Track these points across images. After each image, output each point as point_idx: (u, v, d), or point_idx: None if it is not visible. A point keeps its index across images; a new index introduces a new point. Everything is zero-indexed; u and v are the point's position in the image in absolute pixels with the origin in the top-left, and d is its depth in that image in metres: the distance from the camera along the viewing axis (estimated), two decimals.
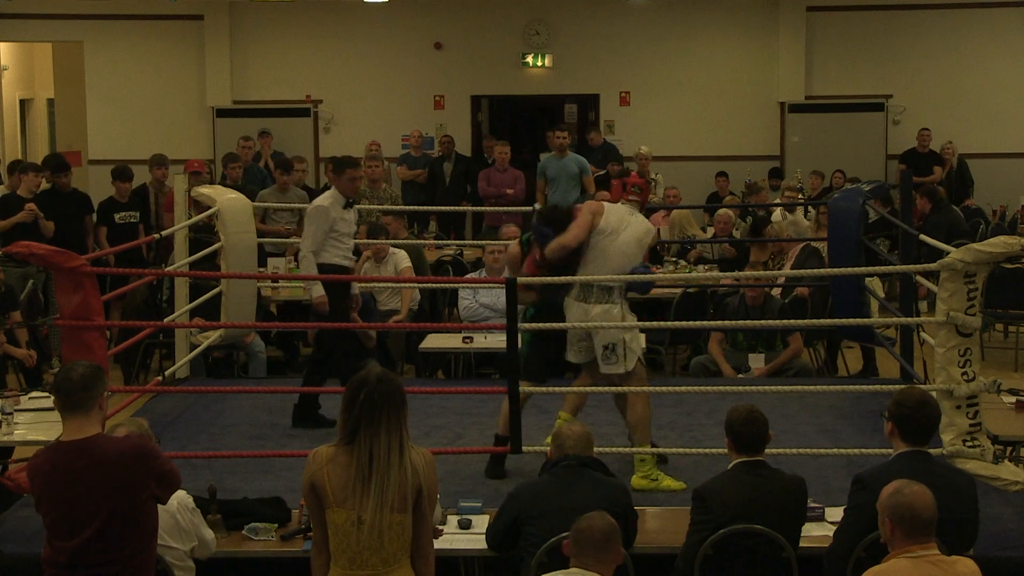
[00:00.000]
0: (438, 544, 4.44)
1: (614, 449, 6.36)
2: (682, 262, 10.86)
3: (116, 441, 4.09)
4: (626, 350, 6.35)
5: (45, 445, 4.34)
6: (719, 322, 8.70)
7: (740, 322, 8.46)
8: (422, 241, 11.49)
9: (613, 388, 6.61)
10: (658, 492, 6.18)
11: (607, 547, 4.20)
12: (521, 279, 6.28)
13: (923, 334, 7.43)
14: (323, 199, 7.56)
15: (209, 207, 8.31)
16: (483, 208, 12.30)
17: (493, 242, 9.74)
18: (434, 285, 10.25)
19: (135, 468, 3.99)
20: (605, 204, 6.54)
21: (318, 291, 7.37)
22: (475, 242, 11.63)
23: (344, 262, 7.49)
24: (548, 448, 5.40)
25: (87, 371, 4.08)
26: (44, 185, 10.75)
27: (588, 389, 6.69)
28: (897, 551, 4.01)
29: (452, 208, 12.83)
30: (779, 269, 9.98)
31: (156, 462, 4.06)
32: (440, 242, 12.19)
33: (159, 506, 4.17)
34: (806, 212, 12.27)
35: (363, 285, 9.25)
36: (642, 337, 6.69)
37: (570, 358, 6.60)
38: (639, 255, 6.43)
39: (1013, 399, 6.83)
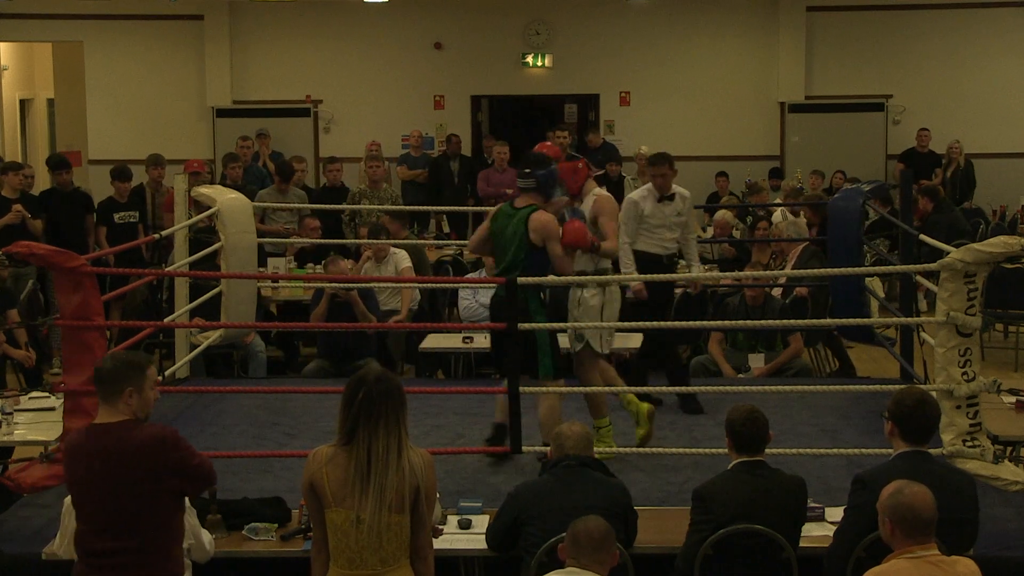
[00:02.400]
0: (438, 544, 4.45)
1: (614, 449, 6.36)
2: (682, 262, 10.84)
3: (142, 428, 4.12)
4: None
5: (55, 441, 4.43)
6: (719, 322, 8.69)
7: (740, 322, 8.46)
8: (423, 241, 11.49)
9: (611, 388, 6.62)
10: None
11: (604, 547, 4.21)
12: (522, 279, 6.27)
13: (923, 334, 7.43)
14: (635, 193, 7.92)
15: (209, 207, 8.31)
16: (483, 208, 12.30)
17: None
18: (434, 285, 10.25)
19: (153, 457, 4.03)
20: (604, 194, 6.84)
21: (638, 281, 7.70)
22: None
23: (657, 250, 7.74)
24: (549, 448, 5.40)
25: (117, 363, 4.16)
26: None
27: (592, 389, 6.70)
28: (897, 551, 4.01)
29: (452, 208, 12.83)
30: (780, 269, 9.98)
31: (177, 453, 4.09)
32: (440, 242, 12.19)
33: None
34: None
35: (363, 285, 9.27)
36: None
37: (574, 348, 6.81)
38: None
39: (1013, 399, 6.83)
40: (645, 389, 6.71)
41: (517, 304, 6.16)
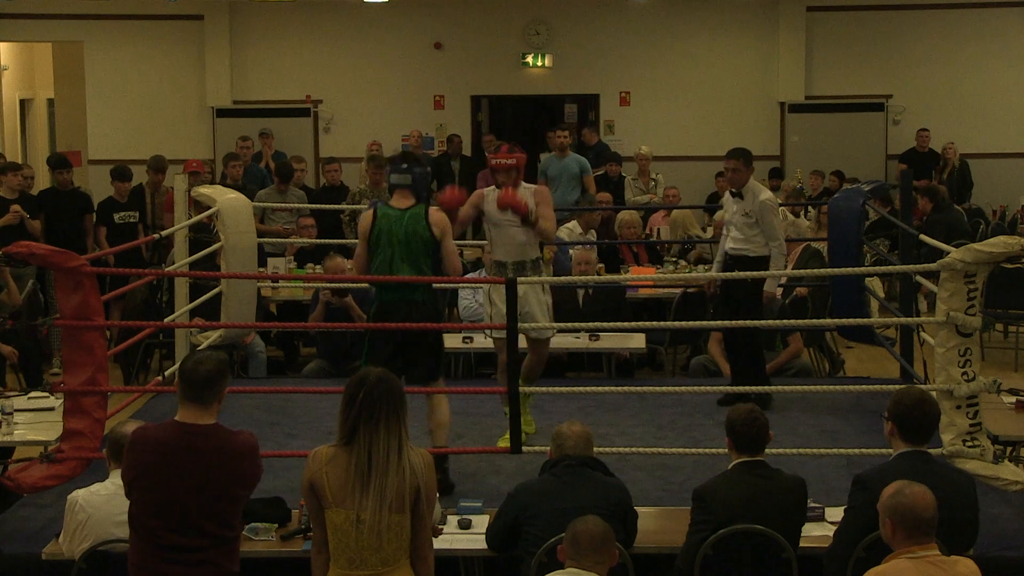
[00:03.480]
0: (438, 544, 4.44)
1: (614, 449, 6.37)
2: (682, 262, 10.86)
3: (235, 434, 4.15)
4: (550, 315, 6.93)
5: (129, 427, 4.50)
6: (719, 322, 8.69)
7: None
8: None
9: (629, 389, 6.62)
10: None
11: (604, 548, 4.21)
12: (523, 279, 6.28)
13: (923, 334, 7.43)
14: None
15: (209, 207, 8.31)
16: None
17: None
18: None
19: (246, 464, 4.10)
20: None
21: (772, 285, 7.68)
22: (475, 242, 11.61)
23: (727, 247, 7.71)
24: (548, 448, 5.40)
25: (216, 367, 4.16)
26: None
27: (596, 389, 6.70)
28: (898, 551, 4.01)
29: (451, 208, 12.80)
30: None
31: (259, 464, 4.17)
32: None
33: None
34: (806, 212, 12.27)
35: (363, 285, 9.26)
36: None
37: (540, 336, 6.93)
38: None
39: (1013, 399, 6.82)
40: (648, 389, 6.68)
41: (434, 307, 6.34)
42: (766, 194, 7.68)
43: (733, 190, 7.61)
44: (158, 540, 4.05)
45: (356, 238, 10.63)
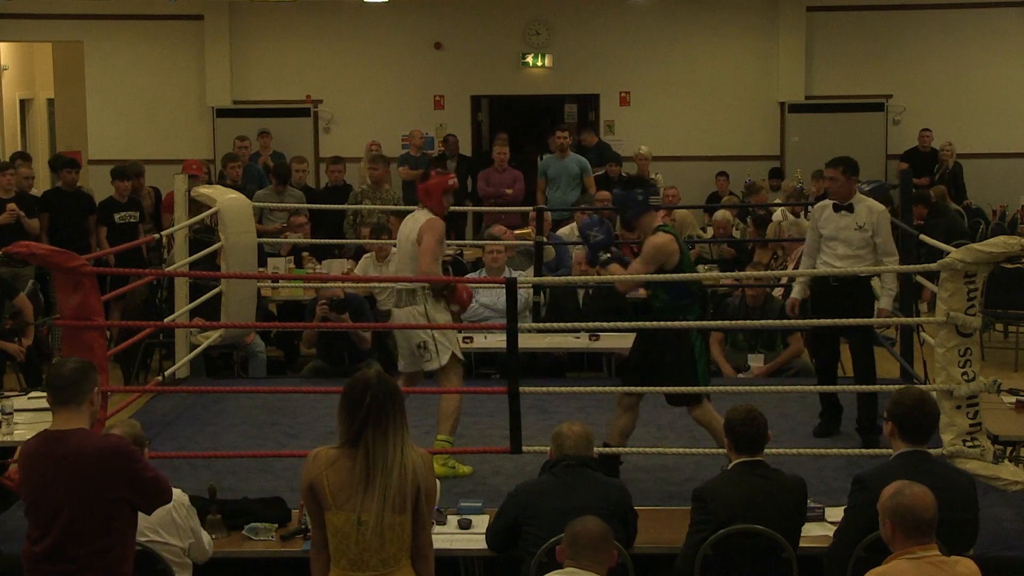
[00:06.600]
0: (438, 544, 4.44)
1: (614, 449, 6.37)
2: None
3: (96, 437, 4.08)
4: (437, 346, 6.54)
5: None
6: (719, 322, 8.69)
7: (740, 322, 8.45)
8: None
9: (629, 389, 6.62)
10: (453, 477, 6.37)
11: (602, 548, 4.21)
12: (522, 279, 6.29)
13: (923, 334, 7.42)
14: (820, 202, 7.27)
15: (209, 207, 8.31)
16: (482, 208, 12.32)
17: (493, 242, 9.76)
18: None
19: (106, 467, 3.98)
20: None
21: (888, 302, 7.00)
22: (475, 242, 11.63)
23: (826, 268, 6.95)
24: (548, 448, 5.40)
25: (77, 367, 4.10)
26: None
27: (589, 389, 6.69)
28: (898, 552, 4.01)
29: (452, 208, 12.80)
30: (781, 269, 9.98)
31: (132, 465, 4.04)
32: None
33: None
34: (806, 212, 12.27)
35: (362, 285, 9.27)
36: (457, 335, 6.81)
37: (402, 369, 6.75)
38: (413, 250, 6.63)
39: (1013, 399, 6.83)
40: (648, 389, 6.66)
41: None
42: (878, 204, 7.09)
43: (836, 203, 6.98)
44: (36, 552, 3.99)
45: (358, 238, 10.72)
